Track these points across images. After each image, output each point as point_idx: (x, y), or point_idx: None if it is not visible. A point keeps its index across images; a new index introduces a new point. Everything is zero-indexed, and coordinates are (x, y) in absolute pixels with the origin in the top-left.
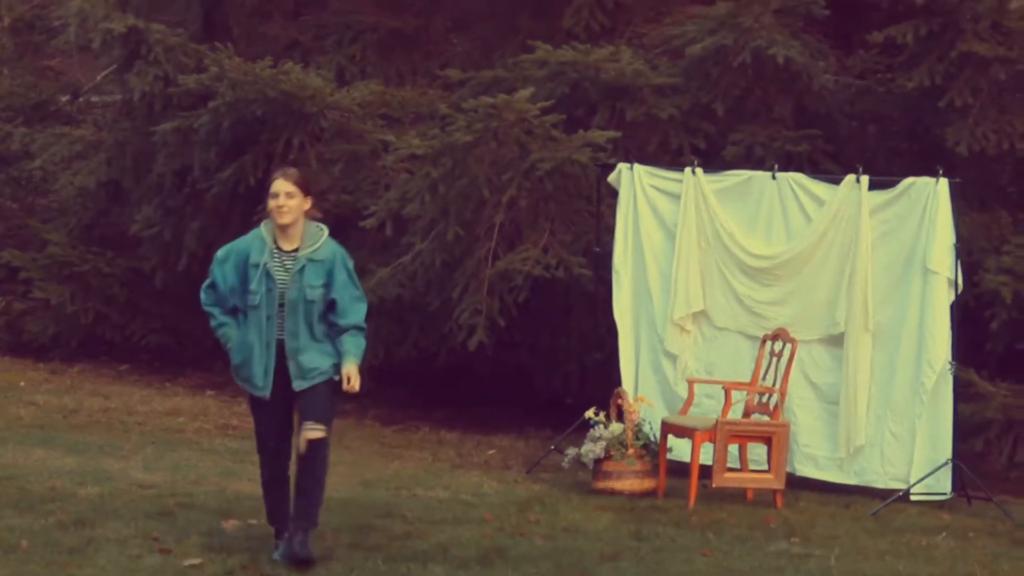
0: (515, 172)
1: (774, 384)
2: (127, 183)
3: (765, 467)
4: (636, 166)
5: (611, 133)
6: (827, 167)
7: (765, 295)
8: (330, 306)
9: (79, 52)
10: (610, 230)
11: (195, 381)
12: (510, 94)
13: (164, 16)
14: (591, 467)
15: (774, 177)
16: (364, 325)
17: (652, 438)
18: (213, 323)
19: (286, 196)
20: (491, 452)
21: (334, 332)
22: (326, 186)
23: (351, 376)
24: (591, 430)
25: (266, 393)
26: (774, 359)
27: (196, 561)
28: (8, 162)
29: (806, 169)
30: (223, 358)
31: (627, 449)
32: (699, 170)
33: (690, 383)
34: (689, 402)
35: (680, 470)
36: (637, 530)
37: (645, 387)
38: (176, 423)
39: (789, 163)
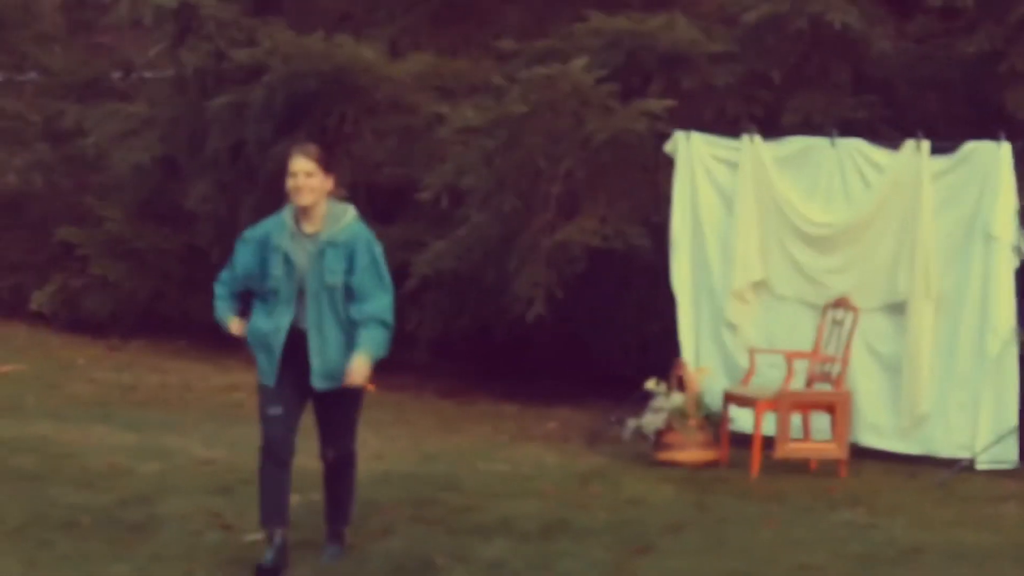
0: (571, 143)
1: (836, 353)
2: (181, 159)
3: (828, 437)
4: (693, 135)
5: (667, 102)
6: (886, 133)
7: (825, 263)
8: (349, 295)
9: (131, 28)
10: (668, 200)
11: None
12: (565, 64)
13: None
14: (652, 438)
15: (833, 144)
16: (387, 319)
17: (714, 409)
18: (215, 297)
19: (304, 175)
20: (551, 425)
21: (353, 325)
22: (381, 159)
23: (356, 370)
24: (652, 401)
25: (270, 382)
26: (836, 328)
27: (258, 537)
28: (62, 139)
29: (865, 136)
30: None
31: (688, 420)
32: (757, 138)
33: (751, 353)
34: (750, 372)
35: (742, 441)
36: (699, 501)
37: (706, 357)
38: (235, 398)
39: (848, 130)
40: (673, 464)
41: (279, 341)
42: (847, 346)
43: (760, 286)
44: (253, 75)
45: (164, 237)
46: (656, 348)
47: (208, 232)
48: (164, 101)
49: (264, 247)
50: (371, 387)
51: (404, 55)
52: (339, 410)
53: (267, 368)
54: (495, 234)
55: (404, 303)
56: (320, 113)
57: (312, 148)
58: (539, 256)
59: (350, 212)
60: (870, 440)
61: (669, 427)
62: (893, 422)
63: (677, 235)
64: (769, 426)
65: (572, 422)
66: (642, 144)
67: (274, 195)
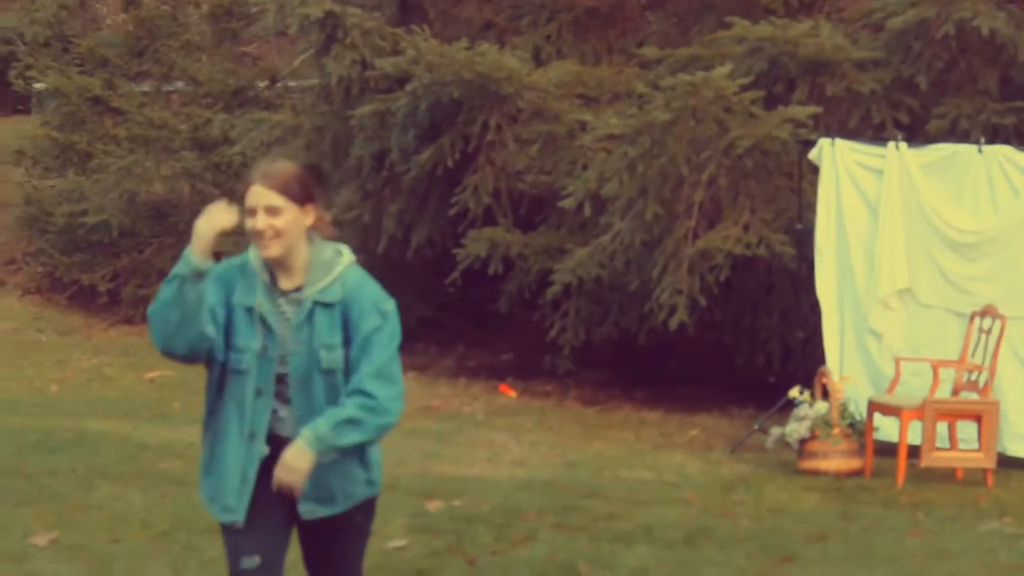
0: (714, 150)
1: (983, 361)
2: (326, 167)
3: (975, 446)
4: (838, 141)
5: (812, 109)
6: None
7: (972, 271)
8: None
9: (276, 38)
10: (812, 207)
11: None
12: (708, 71)
13: (360, 0)
14: (796, 447)
15: (980, 151)
16: (381, 400)
17: (858, 417)
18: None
19: (267, 212)
20: (694, 432)
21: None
22: (523, 167)
23: (287, 461)
24: (796, 409)
25: (239, 518)
26: (983, 336)
27: (401, 543)
28: (208, 148)
29: (1013, 142)
30: (424, 339)
31: (833, 428)
32: (903, 144)
33: (896, 361)
34: (896, 380)
35: (887, 450)
36: (844, 510)
37: (850, 366)
38: None
39: (995, 136)
40: (817, 473)
41: (252, 453)
42: (995, 354)
43: (905, 294)
44: (397, 84)
45: None
46: (800, 356)
47: (352, 239)
48: (309, 110)
49: (228, 304)
50: (512, 393)
51: (547, 63)
52: (335, 549)
53: (231, 499)
54: (637, 241)
55: (546, 310)
56: (463, 121)
57: (278, 170)
58: (682, 263)
59: (345, 257)
60: (1018, 449)
61: (813, 435)
62: None
63: (821, 242)
64: (915, 435)
65: (715, 430)
66: (786, 151)
67: (416, 202)
